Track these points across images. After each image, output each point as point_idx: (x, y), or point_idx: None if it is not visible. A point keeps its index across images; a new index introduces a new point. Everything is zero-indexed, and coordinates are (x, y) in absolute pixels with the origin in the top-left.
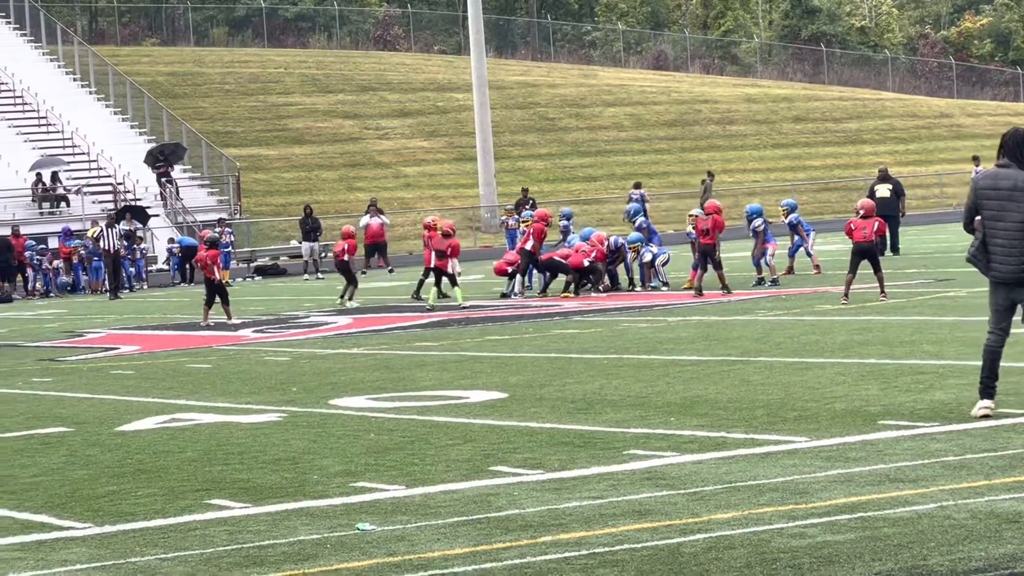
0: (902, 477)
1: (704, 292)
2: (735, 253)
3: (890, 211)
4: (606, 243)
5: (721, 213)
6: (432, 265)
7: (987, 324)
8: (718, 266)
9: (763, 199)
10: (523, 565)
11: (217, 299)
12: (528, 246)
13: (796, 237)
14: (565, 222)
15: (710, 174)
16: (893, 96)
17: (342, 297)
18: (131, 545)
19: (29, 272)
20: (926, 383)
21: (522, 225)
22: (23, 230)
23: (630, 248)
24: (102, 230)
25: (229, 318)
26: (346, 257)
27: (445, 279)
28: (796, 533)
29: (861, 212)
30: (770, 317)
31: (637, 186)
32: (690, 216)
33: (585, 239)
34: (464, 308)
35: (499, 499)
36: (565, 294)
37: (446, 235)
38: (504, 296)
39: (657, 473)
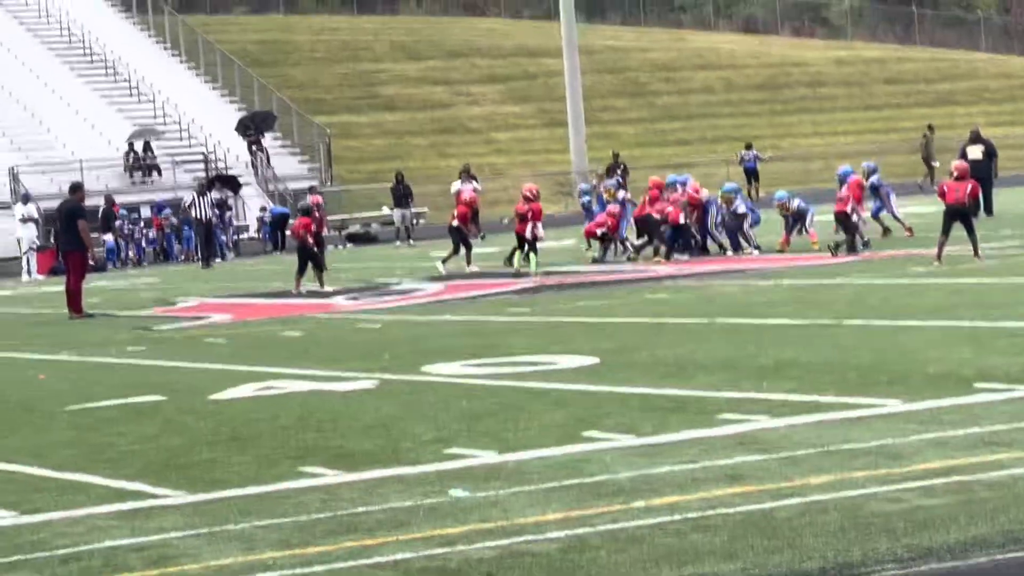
0: (997, 440)
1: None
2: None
3: (983, 173)
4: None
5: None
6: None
7: None
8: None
9: (854, 161)
10: (616, 530)
11: (310, 267)
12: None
13: (877, 200)
14: (586, 198)
15: (930, 127)
16: (986, 56)
17: (444, 262)
18: (225, 513)
19: (121, 242)
20: (1021, 345)
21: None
22: (116, 199)
23: (722, 199)
24: (194, 199)
25: (322, 285)
26: (455, 223)
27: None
28: (890, 497)
29: (955, 174)
30: (862, 280)
31: (748, 147)
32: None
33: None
34: (536, 275)
35: (591, 464)
36: (657, 259)
37: (527, 199)
38: (595, 261)
39: (749, 437)
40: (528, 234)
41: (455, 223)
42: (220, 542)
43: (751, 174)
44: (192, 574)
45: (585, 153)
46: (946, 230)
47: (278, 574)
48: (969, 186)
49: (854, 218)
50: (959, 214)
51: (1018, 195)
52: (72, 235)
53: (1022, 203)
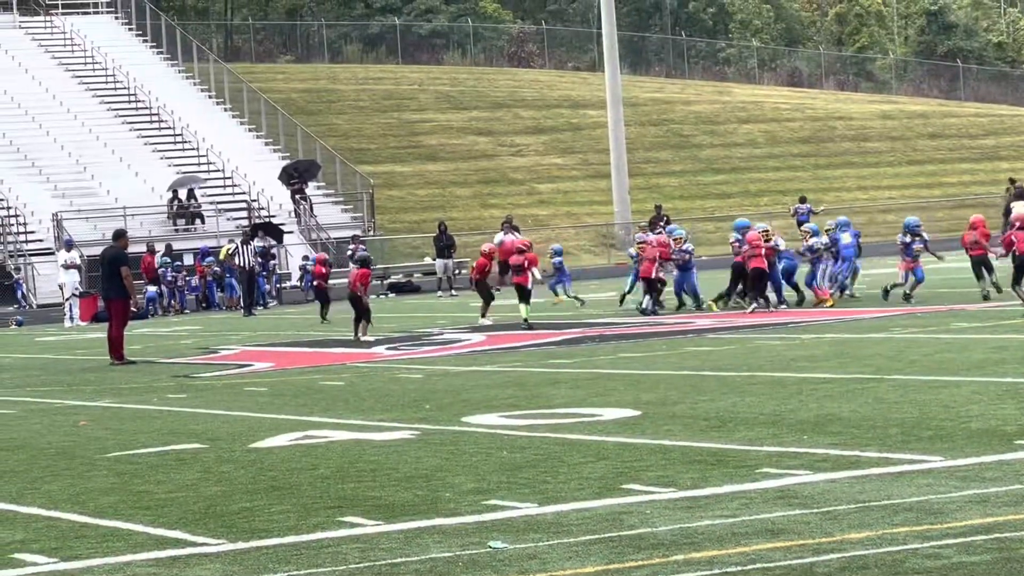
0: None
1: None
2: (878, 270)
3: None
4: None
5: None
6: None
7: None
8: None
9: (897, 216)
10: None
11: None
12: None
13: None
14: (558, 259)
15: (1012, 180)
16: None
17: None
18: (264, 562)
19: (163, 288)
20: None
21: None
22: (158, 246)
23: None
24: (238, 247)
25: (364, 334)
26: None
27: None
28: (931, 554)
29: (1017, 224)
30: (905, 335)
31: (803, 200)
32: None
33: (739, 229)
34: (528, 325)
35: (631, 517)
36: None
37: (520, 251)
38: (643, 312)
39: (790, 492)
40: (529, 283)
41: (475, 276)
42: None
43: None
44: None
45: (628, 204)
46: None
47: None
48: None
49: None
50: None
51: None
52: (115, 282)
53: None
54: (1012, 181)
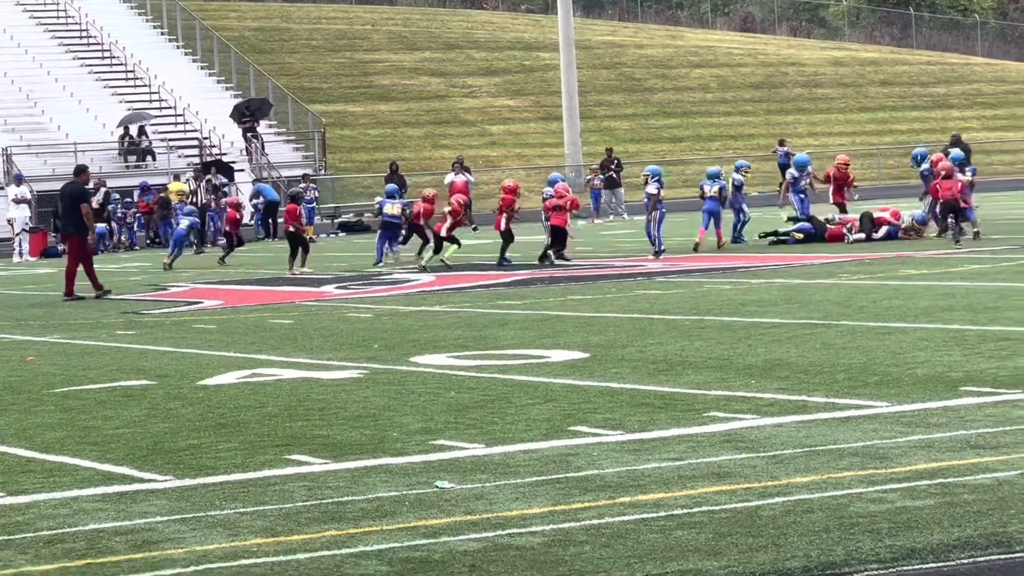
0: (983, 444)
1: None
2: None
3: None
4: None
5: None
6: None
7: None
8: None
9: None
10: (601, 526)
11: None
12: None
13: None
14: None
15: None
16: (982, 61)
17: (418, 254)
18: (211, 499)
19: (114, 225)
20: (1009, 350)
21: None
22: (109, 183)
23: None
24: (194, 185)
25: (297, 269)
26: (421, 220)
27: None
28: (875, 498)
29: (943, 173)
30: (853, 281)
31: (781, 142)
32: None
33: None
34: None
35: (578, 459)
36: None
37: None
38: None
39: (737, 436)
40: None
41: (421, 221)
42: (204, 528)
43: (784, 169)
44: (176, 559)
45: (580, 147)
46: (944, 221)
47: (262, 561)
48: (960, 184)
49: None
50: (953, 208)
51: (1010, 200)
52: (74, 218)
53: (1014, 208)
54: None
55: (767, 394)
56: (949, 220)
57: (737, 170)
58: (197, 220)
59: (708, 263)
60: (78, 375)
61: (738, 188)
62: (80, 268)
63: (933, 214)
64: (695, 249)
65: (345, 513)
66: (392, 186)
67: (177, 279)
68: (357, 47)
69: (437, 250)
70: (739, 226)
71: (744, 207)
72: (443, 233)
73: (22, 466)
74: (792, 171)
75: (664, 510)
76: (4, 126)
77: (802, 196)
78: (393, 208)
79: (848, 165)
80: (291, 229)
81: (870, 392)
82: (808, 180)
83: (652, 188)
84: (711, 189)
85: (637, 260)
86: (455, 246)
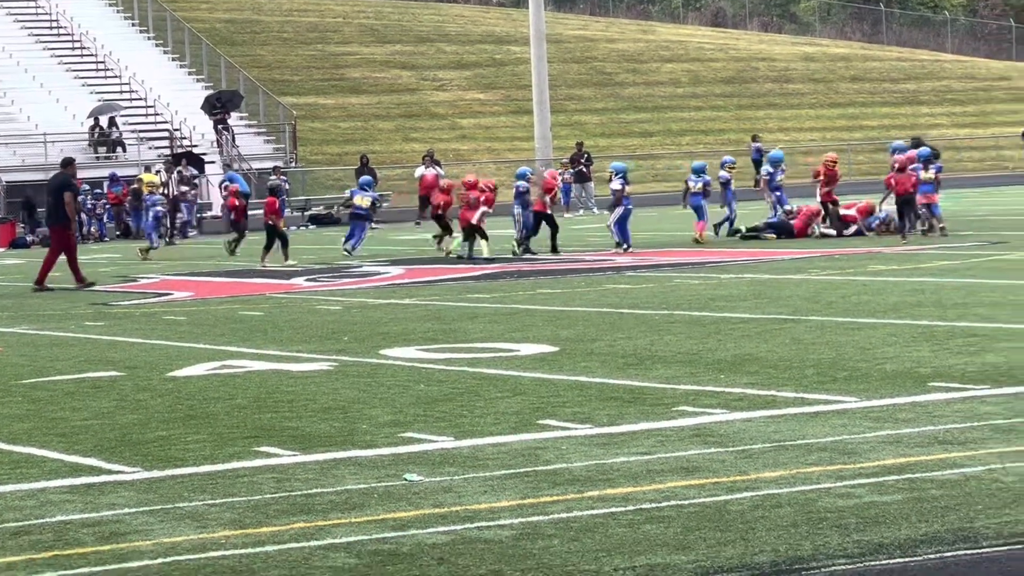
0: (951, 439)
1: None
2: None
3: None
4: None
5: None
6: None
7: None
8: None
9: (817, 158)
10: (569, 519)
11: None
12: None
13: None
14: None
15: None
16: (952, 58)
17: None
18: (179, 490)
19: (83, 217)
20: (977, 346)
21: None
22: (79, 174)
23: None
24: (162, 174)
25: (262, 261)
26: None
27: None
28: (843, 493)
29: (896, 166)
30: (822, 276)
31: (754, 138)
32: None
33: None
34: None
35: (547, 453)
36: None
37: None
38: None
39: (706, 430)
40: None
41: (440, 212)
42: (172, 520)
43: (757, 164)
44: (143, 551)
45: (550, 141)
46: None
47: (230, 553)
48: (913, 178)
49: None
50: (907, 202)
51: (979, 196)
52: (61, 208)
53: (983, 205)
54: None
55: (736, 389)
56: (903, 214)
57: (722, 166)
58: (160, 210)
59: (678, 258)
60: (46, 366)
61: (724, 184)
62: (64, 260)
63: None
64: (696, 243)
65: (314, 505)
66: (367, 178)
67: (148, 270)
68: (328, 40)
69: (467, 238)
70: (725, 222)
71: (732, 204)
72: (475, 222)
73: None
74: (767, 167)
75: (632, 504)
76: None
77: (778, 193)
78: (363, 200)
79: (836, 163)
80: (269, 222)
81: (839, 387)
82: (783, 176)
83: (616, 184)
84: (695, 185)
85: (607, 254)
86: (486, 241)
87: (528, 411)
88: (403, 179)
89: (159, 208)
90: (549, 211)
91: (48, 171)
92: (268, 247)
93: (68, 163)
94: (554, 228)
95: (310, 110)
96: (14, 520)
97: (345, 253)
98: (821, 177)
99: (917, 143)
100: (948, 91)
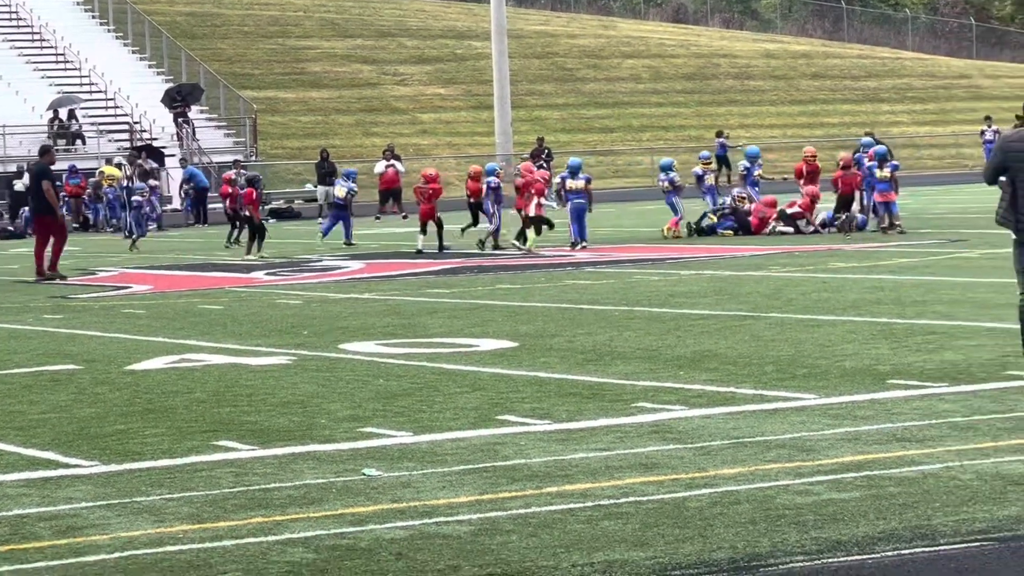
0: (909, 437)
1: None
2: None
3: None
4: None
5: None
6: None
7: (1016, 287)
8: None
9: (780, 155)
10: (528, 515)
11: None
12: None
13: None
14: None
15: (988, 119)
16: (912, 55)
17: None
18: (137, 484)
19: None
20: (936, 343)
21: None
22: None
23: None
24: (127, 169)
25: (247, 252)
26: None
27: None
28: (801, 490)
29: (841, 164)
30: (782, 273)
31: (719, 134)
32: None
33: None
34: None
35: (506, 448)
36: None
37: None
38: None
39: (665, 427)
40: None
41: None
42: (130, 514)
43: (721, 161)
44: (100, 545)
45: (511, 136)
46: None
47: (187, 548)
48: (858, 177)
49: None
50: (848, 201)
51: (938, 194)
52: (41, 198)
53: (942, 202)
54: (988, 120)
55: (695, 385)
56: (843, 212)
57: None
58: (139, 199)
59: (637, 254)
60: (4, 359)
61: (699, 179)
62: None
63: (872, 208)
64: (674, 237)
65: (272, 500)
66: (350, 169)
67: (106, 263)
68: (289, 34)
69: (532, 231)
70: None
71: (707, 199)
72: (531, 213)
73: None
74: (744, 162)
75: (591, 500)
76: None
77: (756, 189)
78: (340, 190)
79: (816, 156)
80: (246, 213)
81: (798, 384)
82: (760, 171)
83: (580, 182)
84: (664, 183)
85: (566, 250)
86: (535, 236)
87: (487, 406)
88: (363, 174)
89: (137, 197)
90: (544, 213)
91: (6, 163)
92: (252, 239)
93: (45, 151)
94: (550, 227)
95: (270, 104)
96: None
97: (346, 244)
98: (803, 176)
99: (870, 138)
100: (909, 89)
